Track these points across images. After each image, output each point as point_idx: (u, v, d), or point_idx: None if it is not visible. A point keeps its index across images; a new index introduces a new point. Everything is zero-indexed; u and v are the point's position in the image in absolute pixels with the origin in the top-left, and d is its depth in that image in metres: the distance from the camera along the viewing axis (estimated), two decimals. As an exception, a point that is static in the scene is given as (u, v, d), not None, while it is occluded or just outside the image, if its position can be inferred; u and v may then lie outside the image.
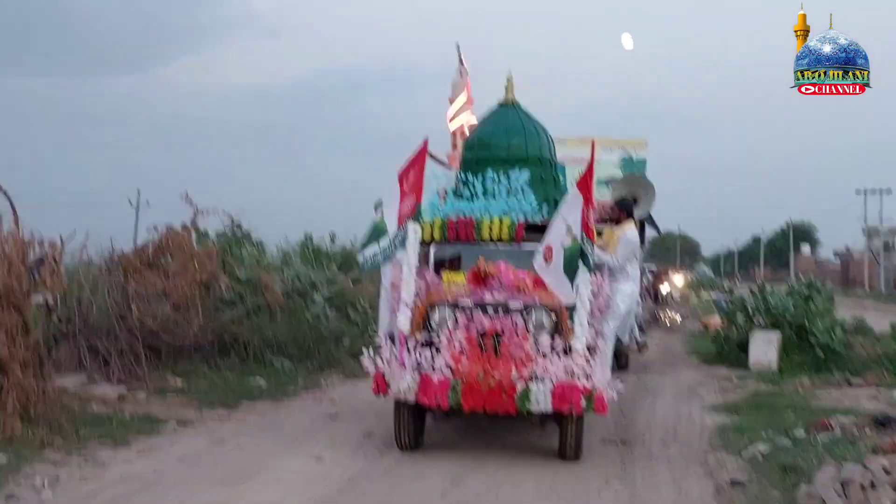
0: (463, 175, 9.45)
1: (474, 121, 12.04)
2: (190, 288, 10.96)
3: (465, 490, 6.80)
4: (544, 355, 7.47)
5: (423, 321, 7.77)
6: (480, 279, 8.06)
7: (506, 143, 9.48)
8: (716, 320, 20.37)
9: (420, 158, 8.29)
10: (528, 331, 7.59)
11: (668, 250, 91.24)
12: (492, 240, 8.85)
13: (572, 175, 10.09)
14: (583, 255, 7.57)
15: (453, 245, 9.04)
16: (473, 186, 9.24)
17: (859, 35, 10.55)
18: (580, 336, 7.54)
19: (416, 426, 7.99)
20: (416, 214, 8.14)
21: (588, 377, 7.40)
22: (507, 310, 7.68)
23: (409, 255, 8.02)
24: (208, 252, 11.65)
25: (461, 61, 13.67)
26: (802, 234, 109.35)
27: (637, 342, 16.08)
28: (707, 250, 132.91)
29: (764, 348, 14.68)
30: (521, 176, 9.18)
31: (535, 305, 7.71)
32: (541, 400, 7.30)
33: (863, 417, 9.28)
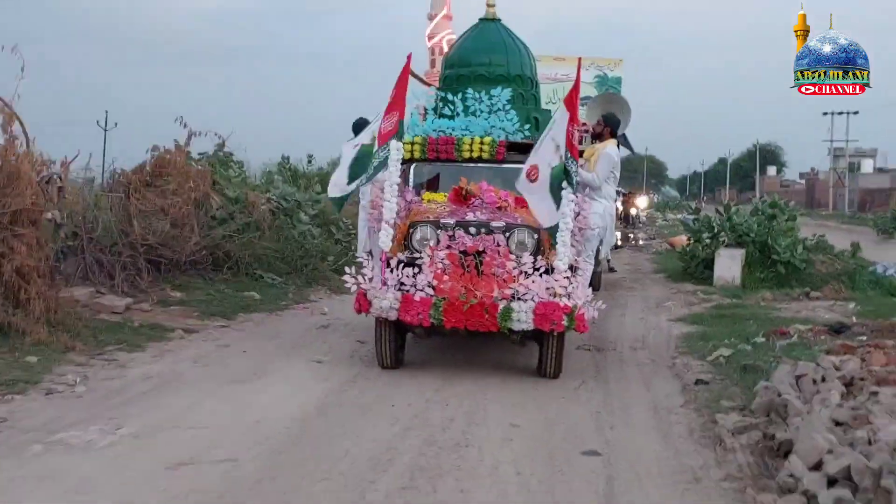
0: (443, 93, 9.35)
1: (454, 37, 12.35)
2: (186, 206, 11.48)
3: (457, 386, 7.47)
4: (526, 274, 7.50)
5: (404, 241, 7.77)
6: (462, 198, 8.17)
7: (487, 60, 9.39)
8: (682, 240, 21.13)
9: (403, 75, 8.11)
10: (510, 250, 7.60)
11: (636, 171, 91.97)
12: (473, 159, 8.80)
13: (545, 94, 10.45)
14: (567, 173, 7.41)
15: (433, 164, 9.03)
16: (454, 105, 9.14)
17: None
18: (563, 255, 7.50)
19: (397, 344, 8.03)
20: (398, 132, 7.98)
21: (570, 296, 7.45)
22: (489, 229, 7.67)
23: (392, 174, 7.91)
24: (202, 172, 12.13)
25: None
26: (769, 155, 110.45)
27: (609, 263, 16.71)
28: (674, 172, 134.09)
29: (728, 265, 15.40)
30: (503, 94, 9.08)
31: (518, 225, 7.73)
32: (522, 318, 7.35)
33: (819, 326, 10.08)
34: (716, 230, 16.69)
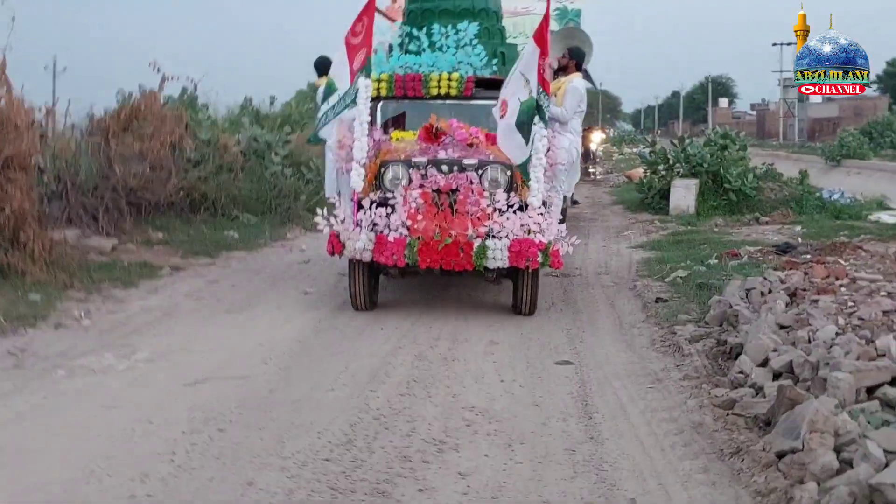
0: (408, 28, 9.20)
1: None
2: (163, 149, 11.85)
3: (439, 311, 8.06)
4: (500, 212, 7.43)
5: (374, 180, 7.64)
6: (433, 136, 7.94)
7: None
8: (639, 172, 21.80)
9: (369, 9, 7.85)
10: (483, 188, 7.49)
11: (590, 106, 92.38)
12: (440, 95, 8.58)
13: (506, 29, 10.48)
14: (539, 108, 7.30)
15: (400, 102, 8.79)
16: (419, 40, 8.98)
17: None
18: (536, 192, 7.43)
19: (371, 286, 7.99)
20: (366, 68, 7.81)
21: (544, 232, 7.44)
22: (461, 167, 7.54)
23: (361, 112, 7.74)
24: (177, 115, 12.49)
25: None
26: (721, 88, 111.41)
27: (572, 197, 17.25)
28: (628, 106, 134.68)
29: (683, 194, 16.12)
30: (469, 28, 8.92)
31: (490, 162, 7.60)
32: (497, 256, 7.32)
33: (767, 247, 10.80)
34: (671, 162, 17.39)
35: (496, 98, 8.14)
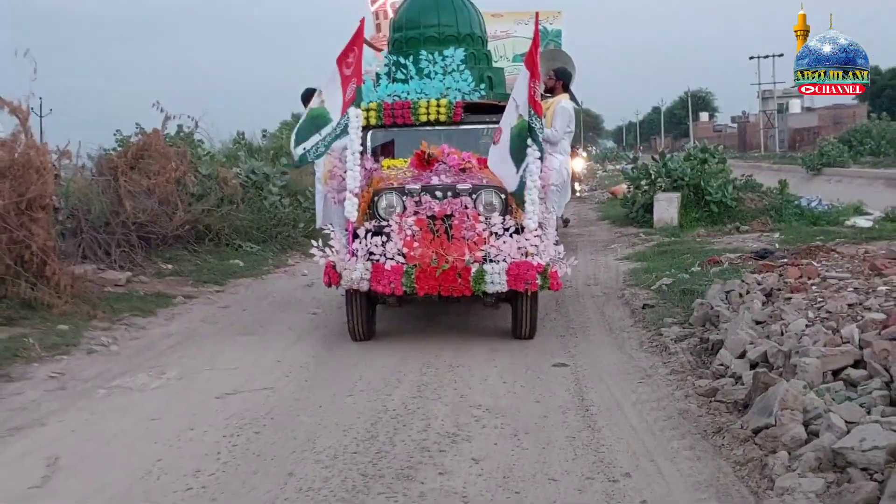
0: (394, 56, 9.24)
1: (398, 0, 11.44)
2: (169, 185, 12.43)
3: (441, 325, 8.62)
4: (497, 235, 7.42)
5: (368, 209, 7.63)
6: (425, 162, 8.02)
7: (436, 21, 9.33)
8: (622, 188, 22.45)
9: (357, 39, 7.93)
10: (478, 212, 7.48)
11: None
12: (430, 122, 8.64)
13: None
14: (531, 131, 7.33)
15: (389, 130, 8.81)
16: (406, 68, 9.04)
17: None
18: (532, 214, 7.38)
19: (369, 316, 7.96)
20: (357, 100, 7.82)
21: (541, 254, 7.41)
22: (455, 192, 7.54)
23: (353, 142, 7.76)
24: (180, 152, 13.07)
25: None
26: (701, 102, 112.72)
27: (562, 216, 17.78)
28: (609, 123, 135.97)
29: (666, 207, 16.72)
30: (456, 54, 8.99)
31: (484, 186, 7.61)
32: (496, 280, 7.26)
33: (746, 253, 11.41)
34: (653, 177, 18.00)
35: (485, 122, 8.49)
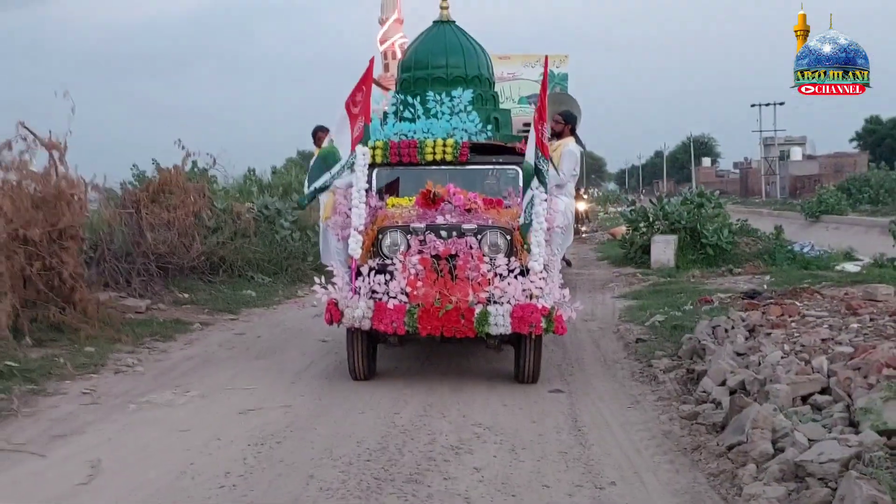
0: (402, 96, 9.33)
1: (406, 40, 12.04)
2: (187, 218, 13.06)
3: (443, 354, 9.16)
4: (501, 277, 7.31)
5: (372, 247, 7.62)
6: (430, 202, 7.99)
7: (444, 62, 9.48)
8: (622, 230, 23.08)
9: (367, 79, 8.01)
10: (483, 252, 7.41)
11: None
12: (435, 161, 8.61)
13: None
14: (538, 173, 7.40)
15: (394, 168, 8.77)
16: (414, 107, 9.10)
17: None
18: (537, 256, 7.33)
19: (370, 354, 7.92)
20: (364, 138, 7.93)
21: (546, 297, 7.31)
22: (460, 232, 7.48)
23: (360, 179, 7.85)
24: (198, 187, 13.71)
25: None
26: (703, 147, 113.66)
27: (564, 258, 18.26)
28: (612, 167, 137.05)
29: (663, 249, 17.30)
30: (464, 95, 9.06)
31: (489, 226, 7.55)
32: (500, 322, 7.16)
33: (736, 294, 11.97)
34: (651, 219, 18.65)
35: (491, 163, 8.66)
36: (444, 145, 8.59)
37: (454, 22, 9.88)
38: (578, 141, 11.74)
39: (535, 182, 7.52)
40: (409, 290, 7.28)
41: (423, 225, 7.54)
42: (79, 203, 10.88)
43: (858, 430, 5.10)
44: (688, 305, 11.43)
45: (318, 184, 8.34)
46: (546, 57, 8.99)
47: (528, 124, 10.22)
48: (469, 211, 7.92)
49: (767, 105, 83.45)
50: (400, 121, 9.15)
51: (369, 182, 8.29)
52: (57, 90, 10.07)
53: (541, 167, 7.40)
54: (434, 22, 9.90)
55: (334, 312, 7.47)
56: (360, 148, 7.94)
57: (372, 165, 8.41)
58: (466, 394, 7.44)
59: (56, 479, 5.33)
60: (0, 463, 5.64)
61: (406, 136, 8.86)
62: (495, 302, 7.23)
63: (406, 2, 29.87)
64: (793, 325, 8.04)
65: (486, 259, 7.38)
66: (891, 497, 4.17)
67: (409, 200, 8.26)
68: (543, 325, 7.22)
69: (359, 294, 7.36)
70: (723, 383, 6.77)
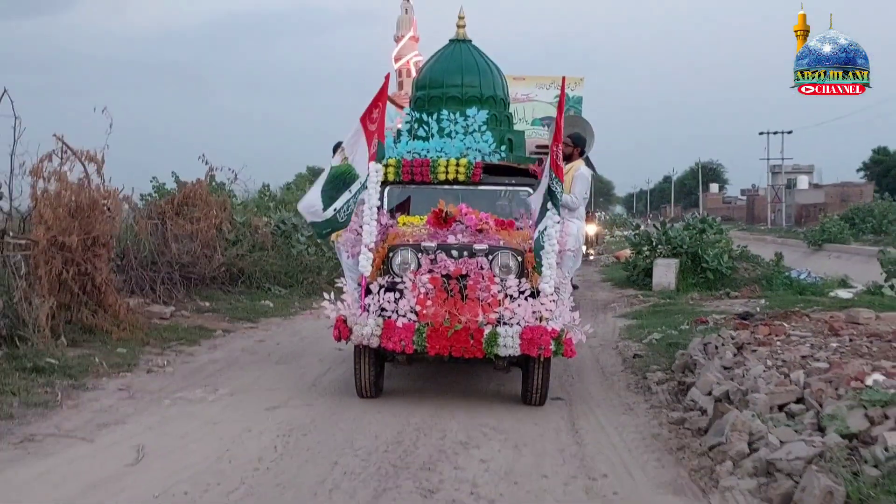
0: (416, 114, 9.32)
1: (421, 59, 11.93)
2: (210, 230, 13.73)
3: (453, 367, 9.76)
4: (511, 298, 7.28)
5: (382, 264, 7.58)
6: (442, 221, 7.96)
7: (459, 82, 9.47)
8: (626, 253, 23.73)
9: (382, 96, 7.94)
10: (493, 273, 7.37)
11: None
12: (448, 181, 8.61)
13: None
14: (551, 194, 7.30)
15: (407, 186, 8.75)
16: (428, 126, 9.09)
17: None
18: (548, 278, 7.29)
19: (378, 372, 7.90)
20: (378, 154, 7.87)
21: (556, 319, 7.28)
22: (471, 252, 7.44)
23: (372, 197, 7.78)
24: (220, 201, 14.40)
25: None
26: (711, 173, 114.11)
27: (572, 281, 18.68)
28: (621, 190, 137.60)
29: (664, 272, 17.96)
30: (479, 115, 9.07)
31: (501, 247, 7.49)
32: (509, 343, 7.12)
33: (731, 315, 12.58)
34: (654, 243, 19.29)
35: (504, 184, 8.62)
36: (458, 165, 8.61)
37: (471, 41, 9.89)
38: (589, 163, 11.81)
39: (548, 204, 7.43)
40: (418, 308, 7.29)
41: (434, 244, 7.52)
42: (111, 213, 11.57)
43: (825, 434, 5.71)
44: (684, 325, 12.03)
45: (338, 205, 7.90)
46: (563, 78, 8.82)
47: (540, 146, 10.75)
48: (481, 231, 7.88)
49: (775, 133, 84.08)
50: (414, 139, 9.19)
51: (381, 199, 8.27)
52: (96, 105, 10.71)
53: (553, 189, 7.33)
54: (450, 40, 9.92)
55: (343, 329, 7.48)
56: (372, 165, 7.89)
57: (384, 183, 8.38)
58: (473, 399, 8.05)
59: (107, 460, 5.96)
60: (53, 446, 6.28)
61: (419, 154, 8.92)
62: (505, 323, 7.23)
63: (421, 21, 30.25)
64: (778, 343, 8.64)
65: (497, 280, 7.36)
66: (845, 488, 4.80)
67: (421, 219, 8.22)
68: (553, 347, 7.20)
69: (368, 311, 7.38)
70: (709, 393, 7.37)
